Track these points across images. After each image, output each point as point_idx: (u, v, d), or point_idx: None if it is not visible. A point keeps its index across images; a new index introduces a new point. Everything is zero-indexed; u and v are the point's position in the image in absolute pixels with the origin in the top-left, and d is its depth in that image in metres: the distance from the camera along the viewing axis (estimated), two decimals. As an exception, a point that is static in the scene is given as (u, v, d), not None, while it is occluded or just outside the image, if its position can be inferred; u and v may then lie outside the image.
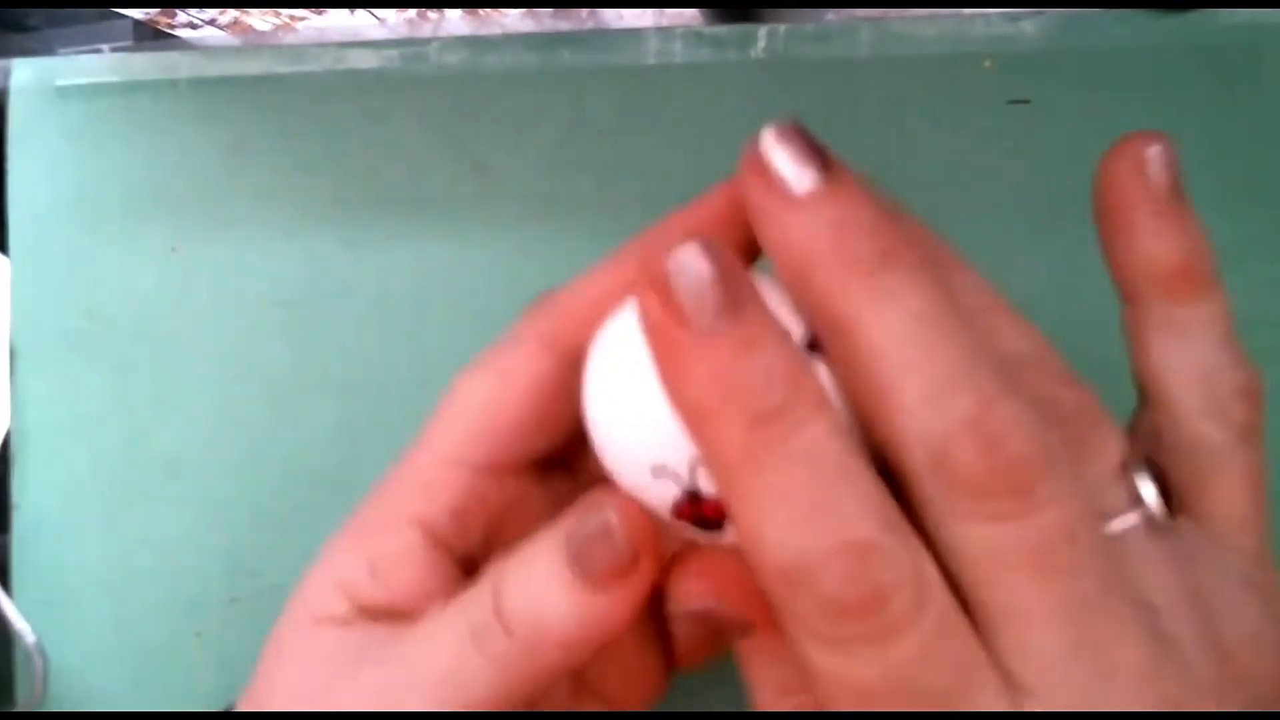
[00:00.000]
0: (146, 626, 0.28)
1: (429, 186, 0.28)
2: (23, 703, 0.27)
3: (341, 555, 0.19)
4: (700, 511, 0.16)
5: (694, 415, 0.15)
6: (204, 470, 0.28)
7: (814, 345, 0.16)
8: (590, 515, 0.17)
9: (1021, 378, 0.16)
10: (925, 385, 0.14)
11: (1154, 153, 0.18)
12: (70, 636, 0.28)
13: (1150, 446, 0.17)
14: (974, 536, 0.14)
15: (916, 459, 0.14)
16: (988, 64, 0.27)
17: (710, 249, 0.14)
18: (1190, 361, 0.17)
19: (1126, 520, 0.16)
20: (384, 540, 0.18)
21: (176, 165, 0.29)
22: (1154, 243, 0.17)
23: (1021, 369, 0.16)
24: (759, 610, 0.17)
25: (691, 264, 0.14)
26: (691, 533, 0.17)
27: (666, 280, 0.14)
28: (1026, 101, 0.27)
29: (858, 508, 0.14)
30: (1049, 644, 0.14)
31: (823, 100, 0.27)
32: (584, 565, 0.16)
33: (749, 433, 0.14)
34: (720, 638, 0.19)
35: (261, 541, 0.28)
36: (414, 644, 0.17)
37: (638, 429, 0.16)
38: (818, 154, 0.15)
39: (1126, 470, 0.16)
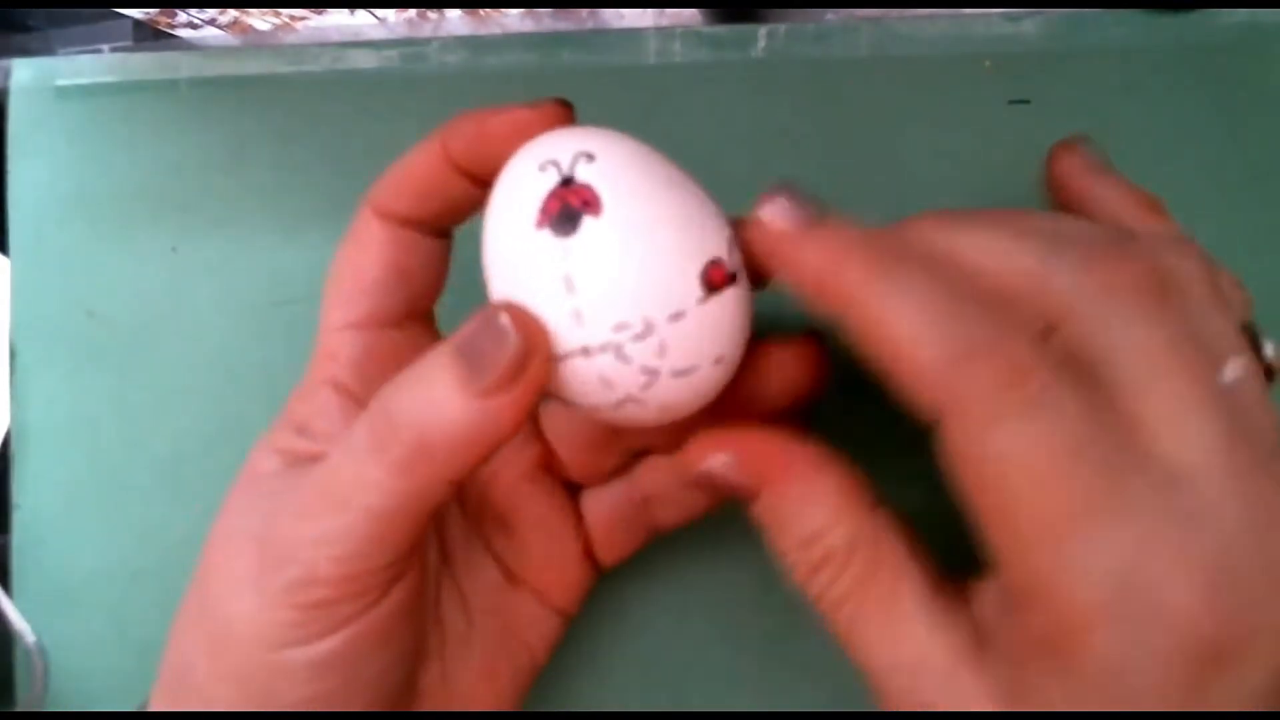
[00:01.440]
0: (146, 626, 0.28)
1: (429, 186, 0.28)
2: (23, 703, 0.27)
3: (275, 428, 0.21)
4: (567, 201, 0.18)
5: (818, 280, 0.18)
6: (204, 470, 0.28)
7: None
8: (483, 319, 0.18)
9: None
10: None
11: (1086, 145, 0.23)
12: (70, 636, 0.28)
13: None
14: (1134, 335, 0.17)
15: (1065, 291, 0.17)
16: (988, 64, 0.27)
17: (787, 191, 0.18)
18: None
19: (1237, 365, 0.17)
20: (305, 405, 0.21)
21: (176, 165, 0.29)
22: (1112, 189, 0.22)
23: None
24: (768, 473, 0.19)
25: (780, 203, 0.18)
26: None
27: (762, 219, 0.18)
28: (1026, 101, 0.27)
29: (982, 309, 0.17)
30: (1209, 430, 0.16)
31: (823, 100, 0.27)
32: (475, 368, 0.17)
33: (869, 263, 0.17)
34: (635, 548, 0.23)
35: (261, 541, 0.28)
36: (320, 469, 0.19)
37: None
38: (807, 200, 0.18)
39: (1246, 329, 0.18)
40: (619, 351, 0.18)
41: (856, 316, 0.17)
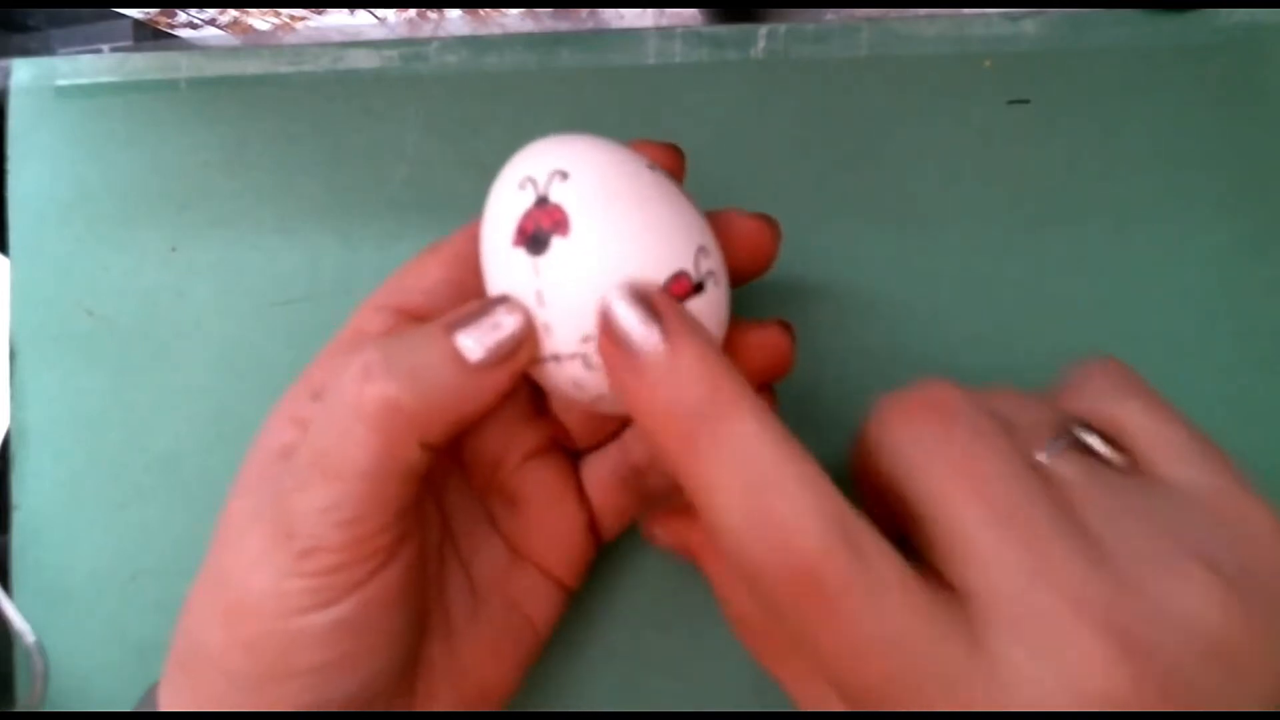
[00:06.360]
0: (146, 626, 0.28)
1: (429, 186, 0.28)
2: (23, 703, 0.27)
3: (292, 394, 0.21)
4: (539, 223, 0.19)
5: (647, 429, 0.18)
6: (204, 470, 0.28)
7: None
8: (484, 305, 0.19)
9: None
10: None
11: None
12: (70, 636, 0.28)
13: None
14: (914, 456, 0.18)
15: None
16: (988, 64, 0.27)
17: (635, 293, 0.18)
18: None
19: (1055, 447, 0.18)
20: (322, 371, 0.21)
21: (176, 165, 0.29)
22: None
23: None
24: (694, 555, 0.22)
25: (621, 310, 0.18)
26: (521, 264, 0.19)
27: (610, 326, 0.18)
28: (1026, 101, 0.27)
29: (793, 486, 0.16)
30: (986, 541, 0.16)
31: (823, 100, 0.27)
32: (473, 343, 0.19)
33: (684, 429, 0.17)
34: (632, 513, 0.25)
35: (261, 541, 0.28)
36: (310, 437, 0.19)
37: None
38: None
39: (1064, 425, 0.19)
40: (586, 360, 0.19)
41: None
